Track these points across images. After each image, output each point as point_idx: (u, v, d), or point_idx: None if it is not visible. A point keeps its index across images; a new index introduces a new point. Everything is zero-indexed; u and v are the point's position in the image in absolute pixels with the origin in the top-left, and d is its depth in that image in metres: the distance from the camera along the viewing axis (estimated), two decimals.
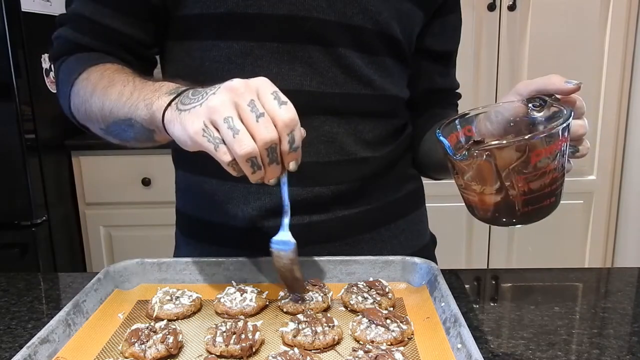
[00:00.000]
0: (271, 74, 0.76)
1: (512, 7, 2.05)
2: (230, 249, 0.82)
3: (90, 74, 0.74)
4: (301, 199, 0.80)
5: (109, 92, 0.69)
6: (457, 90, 0.99)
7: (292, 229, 0.76)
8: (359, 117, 0.82)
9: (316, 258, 0.77)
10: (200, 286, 0.75)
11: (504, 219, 0.60)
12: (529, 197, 0.57)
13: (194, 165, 0.85)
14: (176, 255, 0.93)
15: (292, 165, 0.58)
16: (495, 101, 2.14)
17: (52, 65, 0.82)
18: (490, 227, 2.26)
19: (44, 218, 2.01)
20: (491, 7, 2.05)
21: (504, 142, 0.58)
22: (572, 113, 0.57)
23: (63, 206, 2.17)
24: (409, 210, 0.92)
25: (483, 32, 2.07)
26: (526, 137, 0.55)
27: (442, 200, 2.30)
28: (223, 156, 0.55)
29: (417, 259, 0.76)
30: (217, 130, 0.55)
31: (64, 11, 0.81)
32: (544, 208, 0.59)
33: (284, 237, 0.65)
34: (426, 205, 1.02)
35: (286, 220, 0.64)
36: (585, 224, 2.28)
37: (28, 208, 1.94)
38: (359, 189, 0.84)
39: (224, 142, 0.55)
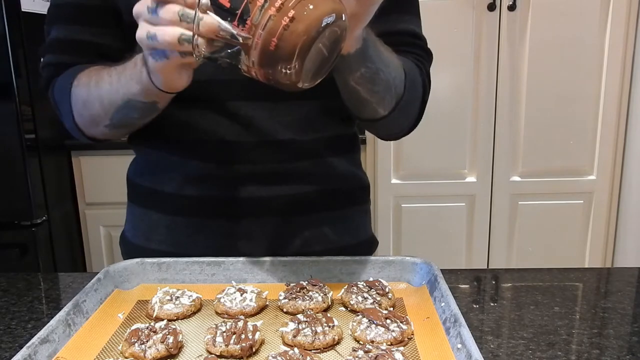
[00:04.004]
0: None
1: (512, 7, 2.05)
2: (181, 217, 0.86)
3: (79, 81, 0.78)
4: (218, 173, 0.83)
5: (100, 86, 0.74)
6: (405, 35, 0.87)
7: (209, 202, 0.83)
8: (274, 101, 0.82)
9: (316, 258, 0.77)
10: (200, 286, 0.76)
11: (276, 64, 0.53)
12: (259, 32, 0.51)
13: (148, 139, 0.89)
14: (128, 228, 0.95)
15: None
16: (495, 102, 2.15)
17: (47, 94, 0.88)
18: (490, 227, 2.27)
19: (44, 218, 2.01)
20: (491, 7, 2.05)
21: None
22: None
23: (63, 206, 2.17)
24: (332, 208, 0.90)
25: (483, 32, 2.07)
26: None
27: (442, 201, 2.31)
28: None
29: (417, 259, 0.76)
30: (154, 48, 0.59)
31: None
32: (288, 30, 0.51)
33: None
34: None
35: None
36: (585, 224, 2.28)
37: (28, 208, 1.95)
38: (278, 172, 0.85)
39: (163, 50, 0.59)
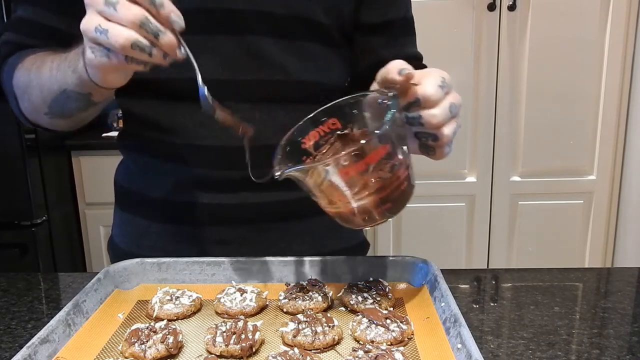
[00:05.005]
0: (182, 64, 0.77)
1: (512, 7, 2.05)
2: (169, 224, 0.86)
3: (23, 64, 0.75)
4: (211, 179, 0.82)
5: (41, 73, 0.70)
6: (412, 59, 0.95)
7: (202, 208, 0.82)
8: (275, 103, 0.81)
9: (316, 258, 0.77)
10: (200, 286, 0.75)
11: (376, 219, 0.62)
12: (383, 196, 0.59)
13: (137, 142, 0.89)
14: (117, 233, 0.95)
15: (174, 19, 0.53)
16: (495, 102, 2.15)
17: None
18: (490, 227, 2.27)
19: (44, 218, 2.01)
20: (491, 7, 2.05)
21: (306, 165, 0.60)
22: (397, 105, 0.57)
23: (63, 206, 2.17)
24: (323, 212, 0.91)
25: (483, 32, 2.07)
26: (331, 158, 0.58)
27: (442, 201, 2.31)
28: (114, 59, 0.55)
29: (417, 259, 0.76)
30: (98, 43, 0.55)
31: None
32: (404, 194, 0.61)
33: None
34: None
35: (198, 77, 0.62)
36: (585, 224, 2.28)
37: (28, 208, 1.95)
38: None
39: (107, 49, 0.54)
